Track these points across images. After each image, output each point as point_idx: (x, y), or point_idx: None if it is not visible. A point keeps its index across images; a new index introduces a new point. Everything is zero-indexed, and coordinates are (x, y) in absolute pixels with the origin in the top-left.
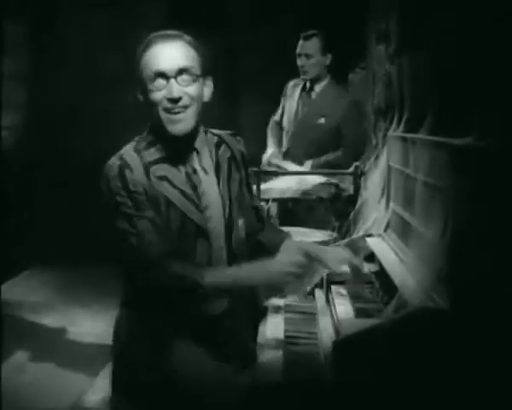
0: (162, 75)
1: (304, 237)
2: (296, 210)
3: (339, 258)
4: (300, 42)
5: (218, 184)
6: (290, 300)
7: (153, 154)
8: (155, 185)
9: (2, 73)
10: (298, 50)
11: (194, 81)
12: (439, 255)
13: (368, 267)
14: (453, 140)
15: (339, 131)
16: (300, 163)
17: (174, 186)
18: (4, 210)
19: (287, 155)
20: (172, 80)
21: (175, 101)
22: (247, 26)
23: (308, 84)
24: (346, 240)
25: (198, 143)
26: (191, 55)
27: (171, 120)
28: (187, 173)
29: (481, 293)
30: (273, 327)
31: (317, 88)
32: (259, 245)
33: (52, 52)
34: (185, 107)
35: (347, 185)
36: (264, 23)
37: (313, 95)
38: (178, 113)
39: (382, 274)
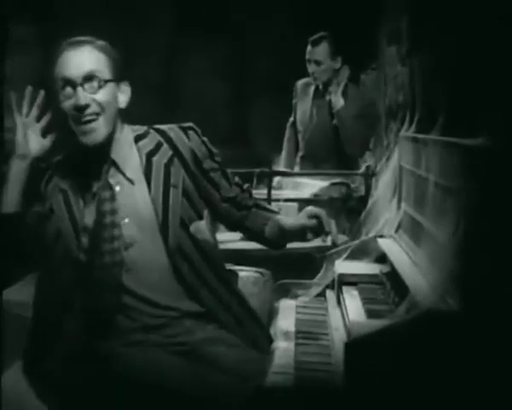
0: (69, 83)
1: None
2: None
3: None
4: (309, 47)
5: (150, 192)
6: (301, 301)
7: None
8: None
9: (6, 75)
10: (307, 56)
11: (102, 87)
12: (451, 256)
13: (379, 268)
14: (465, 141)
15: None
16: (317, 167)
17: (68, 211)
18: None
19: (303, 160)
20: (79, 88)
21: (82, 109)
22: (257, 28)
23: (321, 87)
24: (357, 241)
25: (117, 154)
26: (100, 60)
27: (82, 130)
28: (96, 194)
29: (493, 295)
30: (284, 329)
31: (331, 92)
32: (249, 232)
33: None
34: (96, 114)
35: (358, 186)
36: (274, 24)
37: (326, 96)
38: (89, 122)
39: (394, 275)
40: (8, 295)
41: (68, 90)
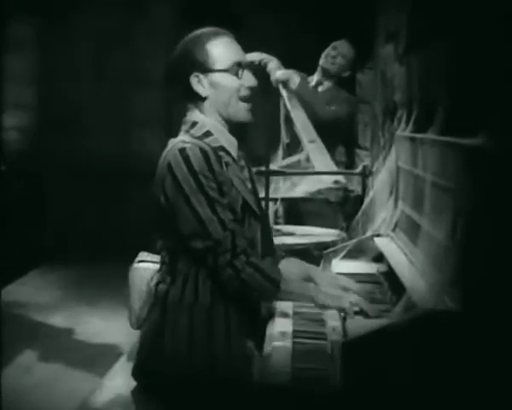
0: (239, 65)
1: (312, 235)
2: (304, 210)
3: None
4: (341, 42)
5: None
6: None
7: (214, 141)
8: (224, 172)
9: (4, 75)
10: (335, 45)
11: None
12: (448, 256)
13: (376, 267)
14: (462, 140)
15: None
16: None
17: (235, 174)
18: (12, 210)
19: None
20: (247, 71)
21: (253, 89)
22: (254, 25)
23: (315, 80)
24: (354, 240)
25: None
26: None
27: (248, 108)
28: (240, 165)
29: (491, 294)
30: (281, 327)
31: (325, 85)
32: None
33: (60, 53)
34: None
35: (355, 186)
36: (271, 22)
37: (319, 89)
38: (250, 101)
39: (391, 274)
40: (7, 294)
41: (238, 70)
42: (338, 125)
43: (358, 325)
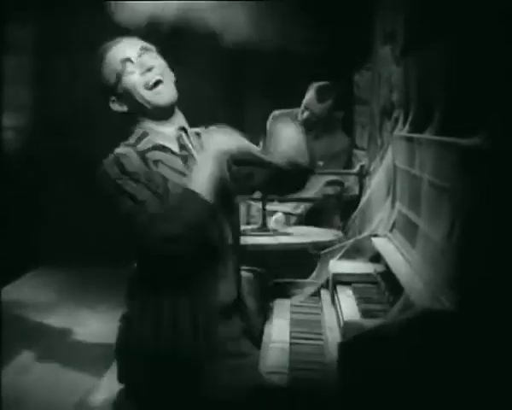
0: (128, 60)
1: (309, 235)
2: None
3: None
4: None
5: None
6: (296, 300)
7: (146, 143)
8: (153, 168)
9: (3, 75)
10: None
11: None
12: (446, 256)
13: (374, 268)
14: (459, 140)
15: None
16: None
17: (171, 168)
18: (11, 210)
19: None
20: (140, 57)
21: (151, 70)
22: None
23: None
24: (351, 240)
25: (183, 122)
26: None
27: (157, 91)
28: (182, 155)
29: (488, 295)
30: (278, 328)
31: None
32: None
33: (57, 53)
34: (161, 75)
35: (353, 186)
36: (269, 23)
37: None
38: (157, 84)
39: (388, 274)
40: (6, 294)
41: (129, 65)
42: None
43: (356, 325)
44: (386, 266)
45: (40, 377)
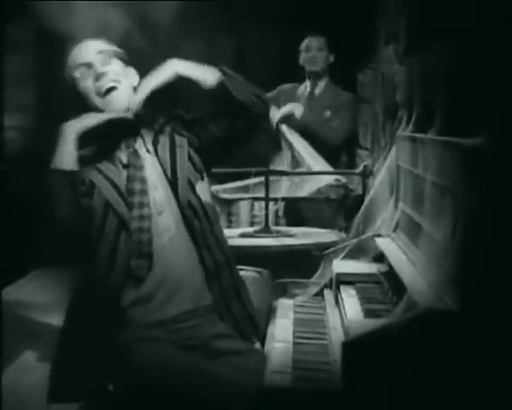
0: (87, 65)
1: (312, 236)
2: (305, 210)
3: None
4: (308, 39)
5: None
6: (299, 300)
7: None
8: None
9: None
10: (306, 45)
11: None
12: (449, 256)
13: (377, 267)
14: (462, 140)
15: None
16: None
17: (105, 176)
18: (12, 210)
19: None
20: (93, 63)
21: (104, 75)
22: (255, 28)
23: (309, 85)
24: (355, 240)
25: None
26: (102, 45)
27: (108, 100)
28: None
29: (491, 294)
30: (282, 328)
31: (320, 85)
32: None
33: (59, 52)
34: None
35: (356, 186)
36: (272, 24)
37: (316, 92)
38: (109, 91)
39: (391, 274)
40: (8, 295)
41: (84, 70)
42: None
43: (359, 325)
44: (390, 266)
45: (42, 377)
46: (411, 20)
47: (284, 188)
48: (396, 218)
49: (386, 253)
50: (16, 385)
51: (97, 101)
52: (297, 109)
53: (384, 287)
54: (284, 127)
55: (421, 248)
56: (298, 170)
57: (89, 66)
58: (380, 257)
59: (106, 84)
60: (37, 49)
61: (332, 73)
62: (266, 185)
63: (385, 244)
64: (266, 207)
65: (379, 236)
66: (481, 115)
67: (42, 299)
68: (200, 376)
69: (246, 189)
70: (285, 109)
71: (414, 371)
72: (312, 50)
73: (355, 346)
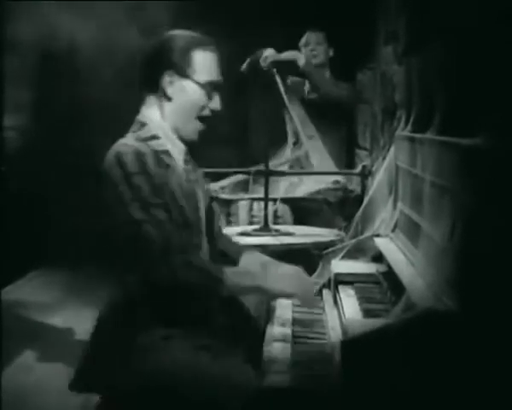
0: (211, 85)
1: (311, 235)
2: (304, 210)
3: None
4: (307, 34)
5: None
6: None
7: (159, 145)
8: (163, 174)
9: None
10: (305, 40)
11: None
12: (448, 256)
13: (376, 268)
14: (461, 140)
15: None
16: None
17: (175, 178)
18: (12, 210)
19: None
20: (216, 93)
21: (214, 112)
22: (257, 26)
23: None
24: (353, 240)
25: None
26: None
27: (200, 128)
28: (185, 169)
29: (490, 295)
30: (281, 328)
31: None
32: (221, 252)
33: (57, 52)
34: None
35: (355, 186)
36: (274, 22)
37: None
38: (205, 123)
39: (390, 274)
40: (8, 294)
41: (208, 90)
42: (343, 105)
43: (358, 325)
44: (389, 266)
45: (42, 377)
46: (411, 20)
47: (283, 188)
48: (395, 218)
49: (385, 253)
50: (15, 385)
51: (195, 123)
52: (300, 58)
53: (383, 287)
54: (281, 86)
55: (420, 248)
56: (297, 170)
57: (212, 89)
58: (378, 257)
59: (212, 110)
60: (37, 50)
61: (332, 73)
62: (266, 185)
63: (384, 244)
64: (265, 207)
65: (378, 236)
66: (480, 115)
67: (41, 299)
68: (201, 376)
69: (245, 184)
70: (288, 54)
71: (413, 371)
72: (311, 44)
73: (354, 345)
